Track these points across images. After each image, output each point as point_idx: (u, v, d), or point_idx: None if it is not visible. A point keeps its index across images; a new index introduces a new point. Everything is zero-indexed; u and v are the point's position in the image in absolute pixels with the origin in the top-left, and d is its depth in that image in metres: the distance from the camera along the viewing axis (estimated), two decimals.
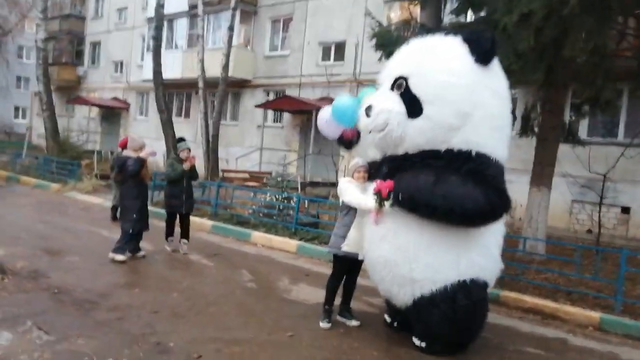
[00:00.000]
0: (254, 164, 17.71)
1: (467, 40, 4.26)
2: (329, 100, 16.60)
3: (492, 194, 4.04)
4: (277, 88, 19.14)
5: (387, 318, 5.18)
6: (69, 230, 8.65)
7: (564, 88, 6.95)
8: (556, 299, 6.28)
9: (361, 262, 5.09)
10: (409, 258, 4.28)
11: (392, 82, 4.42)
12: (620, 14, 6.27)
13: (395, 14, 16.35)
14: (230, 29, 16.88)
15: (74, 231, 8.64)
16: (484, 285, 4.40)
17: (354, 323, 5.17)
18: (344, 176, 5.57)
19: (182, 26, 21.12)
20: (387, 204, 4.30)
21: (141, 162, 6.95)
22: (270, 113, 19.02)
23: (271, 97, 19.21)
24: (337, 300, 5.24)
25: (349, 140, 5.18)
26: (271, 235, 8.87)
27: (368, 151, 4.97)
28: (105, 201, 11.88)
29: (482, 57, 4.19)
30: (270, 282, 6.55)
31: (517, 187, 12.14)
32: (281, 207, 9.70)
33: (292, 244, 8.44)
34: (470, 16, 9.12)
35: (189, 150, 7.66)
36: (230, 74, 17.14)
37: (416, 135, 4.23)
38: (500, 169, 4.30)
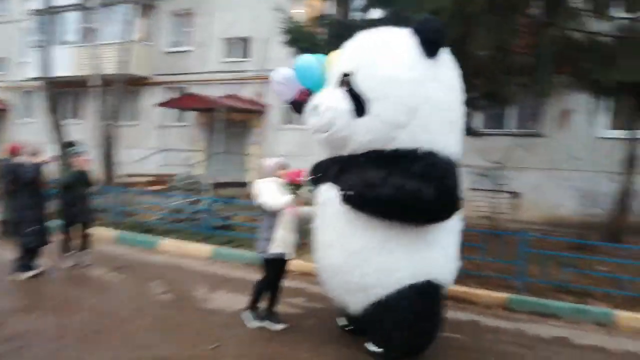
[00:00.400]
0: (157, 166, 16.84)
1: (414, 31, 4.02)
2: (235, 97, 16.27)
3: (439, 192, 3.84)
4: (179, 85, 18.35)
5: (342, 321, 5.00)
6: None
7: (466, 83, 7.29)
8: (467, 283, 6.60)
9: (286, 263, 5.03)
10: (360, 263, 4.09)
11: (338, 78, 4.25)
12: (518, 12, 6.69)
13: (301, 10, 16.34)
14: (129, 22, 15.91)
15: None
16: (440, 286, 4.17)
17: (280, 327, 5.04)
18: (259, 175, 5.44)
19: (73, 19, 19.49)
20: (301, 190, 4.49)
21: (38, 168, 6.32)
22: (173, 112, 18.20)
23: (173, 95, 18.38)
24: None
25: (300, 104, 4.85)
26: (182, 241, 8.45)
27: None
28: None
29: (429, 48, 3.97)
30: (187, 291, 6.22)
31: None
32: (191, 211, 9.30)
33: (205, 249, 8.10)
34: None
35: (81, 154, 7.17)
36: (128, 70, 16.15)
37: (363, 134, 4.03)
38: (451, 165, 4.04)
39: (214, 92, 17.00)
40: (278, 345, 4.64)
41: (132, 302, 5.69)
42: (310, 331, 5.06)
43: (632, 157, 9.09)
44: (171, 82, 18.49)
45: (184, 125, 18.22)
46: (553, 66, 6.52)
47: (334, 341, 4.75)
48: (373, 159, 4.04)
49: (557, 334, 5.24)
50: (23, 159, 6.39)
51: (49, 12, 17.93)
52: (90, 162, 7.44)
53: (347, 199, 4.02)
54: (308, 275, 6.40)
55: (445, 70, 4.14)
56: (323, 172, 4.47)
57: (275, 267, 4.98)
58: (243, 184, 15.76)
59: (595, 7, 6.47)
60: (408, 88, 3.94)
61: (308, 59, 4.81)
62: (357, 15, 8.64)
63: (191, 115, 18.05)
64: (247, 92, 16.76)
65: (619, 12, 6.94)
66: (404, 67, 3.96)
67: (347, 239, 4.15)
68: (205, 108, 16.44)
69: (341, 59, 4.35)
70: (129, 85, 17.44)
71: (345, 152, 4.21)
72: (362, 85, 4.04)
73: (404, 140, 3.96)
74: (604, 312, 5.70)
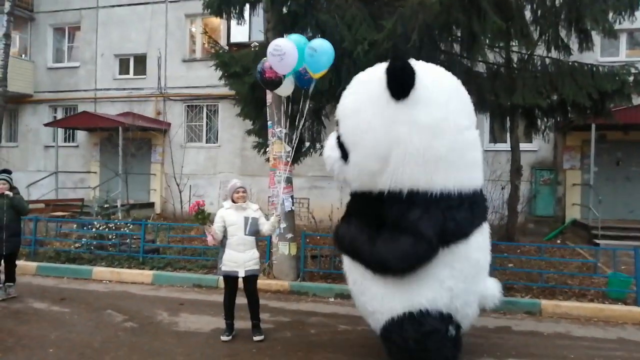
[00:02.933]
0: (49, 191, 15.55)
1: (385, 72, 4.01)
2: (132, 115, 15.67)
3: (416, 243, 3.95)
4: (67, 103, 17.21)
5: None
6: None
7: None
8: None
9: (252, 280, 5.37)
10: (363, 290, 4.48)
11: (335, 125, 4.54)
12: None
13: (198, 29, 16.33)
14: (7, 36, 14.56)
15: None
16: (438, 316, 4.18)
17: (257, 338, 5.34)
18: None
19: None
20: (205, 219, 5.01)
21: None
22: (60, 131, 16.94)
23: (59, 113, 17.14)
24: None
25: (272, 81, 5.20)
26: (117, 268, 8.13)
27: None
28: None
29: (395, 91, 3.96)
30: (148, 318, 6.11)
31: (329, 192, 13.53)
32: (117, 236, 8.94)
33: (145, 274, 7.89)
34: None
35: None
36: (6, 87, 14.74)
37: (351, 180, 4.37)
38: (439, 201, 4.02)
39: (107, 110, 16.29)
40: (269, 358, 4.87)
41: (98, 334, 5.48)
42: (291, 341, 5.35)
43: (518, 167, 10.68)
44: (57, 100, 17.26)
45: (75, 146, 17.05)
46: None
47: (319, 349, 5.12)
48: (366, 200, 4.32)
49: (499, 324, 6.11)
50: None
51: None
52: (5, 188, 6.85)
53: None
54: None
55: (422, 109, 3.97)
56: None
57: (227, 282, 5.38)
58: (150, 205, 15.24)
59: (501, 43, 7.71)
60: (376, 136, 4.00)
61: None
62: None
63: (82, 135, 16.97)
64: (144, 110, 16.25)
65: (516, 48, 8.30)
66: (372, 115, 4.04)
67: (351, 270, 4.62)
68: (98, 127, 15.62)
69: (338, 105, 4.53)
70: (8, 103, 15.90)
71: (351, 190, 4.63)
72: (343, 134, 4.32)
73: (386, 184, 4.07)
74: (531, 302, 6.71)
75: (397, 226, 4.06)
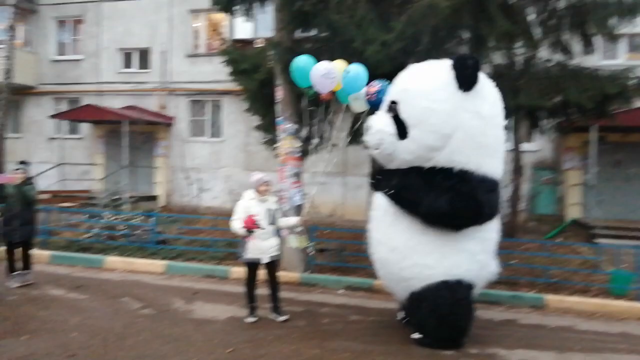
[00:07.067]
0: (54, 182, 15.61)
1: (452, 67, 4.65)
2: (137, 109, 15.77)
3: (464, 204, 4.62)
4: (70, 96, 17.23)
5: (400, 315, 5.71)
6: None
7: None
8: None
9: (274, 265, 5.77)
10: (400, 258, 4.88)
11: (387, 105, 5.03)
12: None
13: (202, 24, 16.44)
14: (11, 27, 14.68)
15: None
16: (468, 286, 4.88)
17: (282, 318, 5.76)
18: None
19: None
20: (253, 233, 5.44)
21: None
22: (64, 123, 17.00)
23: (63, 106, 17.18)
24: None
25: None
26: (129, 258, 8.27)
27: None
28: None
29: (464, 84, 4.61)
30: (164, 305, 6.27)
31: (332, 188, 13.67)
32: (128, 227, 9.09)
33: (158, 264, 8.04)
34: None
35: (18, 170, 6.99)
36: (12, 79, 14.85)
37: (405, 154, 4.83)
38: (483, 182, 4.69)
39: (111, 103, 16.36)
40: (287, 345, 5.04)
41: (117, 319, 5.64)
42: (305, 330, 5.53)
43: (519, 167, 10.90)
44: (60, 92, 17.30)
45: (79, 138, 17.11)
46: None
47: (334, 337, 5.29)
48: (415, 172, 4.84)
49: (506, 317, 6.31)
50: None
51: None
52: (21, 178, 6.99)
53: (389, 196, 4.93)
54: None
55: (481, 102, 4.72)
56: (379, 181, 5.28)
57: (249, 268, 5.75)
58: (154, 198, 15.35)
59: (506, 45, 7.90)
60: (442, 118, 4.62)
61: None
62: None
63: (86, 127, 17.04)
64: (148, 103, 16.34)
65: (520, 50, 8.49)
66: (439, 100, 4.65)
67: (391, 238, 4.98)
68: (103, 120, 15.70)
69: (392, 89, 5.14)
70: (12, 95, 15.96)
71: (393, 166, 5.03)
72: (404, 113, 4.81)
73: (440, 161, 4.70)
74: (536, 297, 6.92)
75: (453, 192, 4.63)
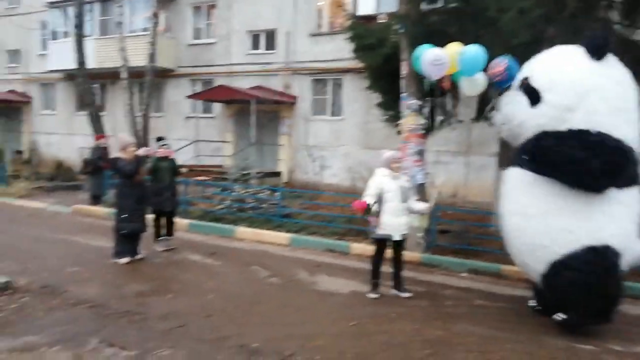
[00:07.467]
0: (189, 157, 17.03)
1: (583, 44, 4.77)
2: (263, 89, 16.49)
3: (604, 164, 4.40)
4: (204, 77, 18.51)
5: (532, 302, 5.48)
6: (39, 240, 7.90)
7: None
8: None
9: (401, 243, 5.75)
10: (537, 225, 4.68)
11: (518, 82, 5.10)
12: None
13: (326, 1, 16.58)
14: (155, 14, 16.04)
15: (44, 240, 7.93)
16: (616, 253, 4.47)
17: (406, 294, 5.80)
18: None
19: (94, 12, 19.50)
20: (367, 215, 5.57)
21: (138, 164, 6.68)
22: (199, 103, 18.38)
23: (198, 87, 18.54)
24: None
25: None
26: (257, 229, 8.78)
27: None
28: (48, 205, 10.95)
29: (595, 53, 4.66)
30: (290, 275, 6.57)
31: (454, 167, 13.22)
32: (256, 200, 9.63)
33: (283, 236, 8.44)
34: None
35: (166, 146, 7.86)
36: (156, 62, 16.27)
37: (537, 118, 4.79)
38: (620, 146, 4.46)
39: (240, 84, 17.23)
40: (409, 324, 5.00)
41: (247, 286, 6.03)
42: (427, 310, 5.44)
43: None
44: (196, 74, 18.65)
45: (211, 117, 18.41)
46: None
47: (458, 320, 5.16)
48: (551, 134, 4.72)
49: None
50: (119, 153, 6.72)
51: (70, 4, 17.98)
52: (168, 153, 7.79)
53: (527, 161, 4.84)
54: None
55: (613, 70, 4.74)
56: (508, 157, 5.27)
57: (379, 244, 5.80)
58: (277, 174, 16.07)
59: None
60: (576, 78, 4.66)
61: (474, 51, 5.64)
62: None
63: (217, 107, 18.25)
64: (274, 83, 16.99)
65: None
66: (572, 65, 4.76)
67: (526, 205, 4.80)
68: (233, 100, 16.67)
69: (523, 70, 5.19)
70: (155, 77, 17.56)
71: (520, 140, 5.03)
72: (537, 81, 4.85)
73: (575, 123, 4.58)
74: None
75: (591, 152, 4.43)
